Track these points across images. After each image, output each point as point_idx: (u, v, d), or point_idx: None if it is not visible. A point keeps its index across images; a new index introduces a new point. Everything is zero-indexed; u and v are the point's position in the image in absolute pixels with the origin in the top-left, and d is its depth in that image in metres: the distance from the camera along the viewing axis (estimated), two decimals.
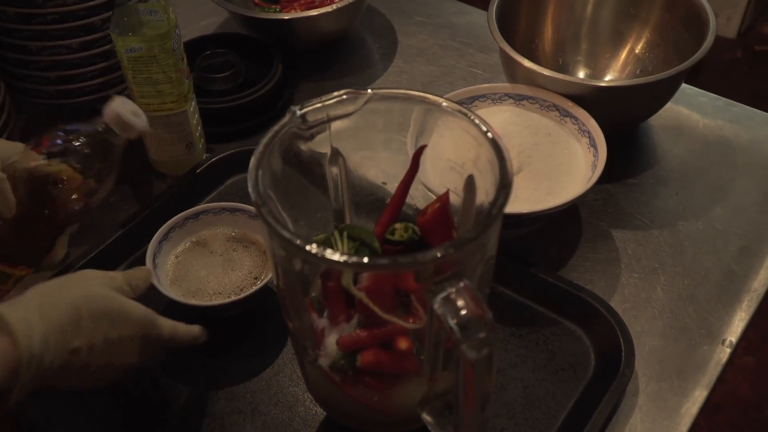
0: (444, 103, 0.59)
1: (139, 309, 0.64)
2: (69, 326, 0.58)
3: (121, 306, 0.62)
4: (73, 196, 0.73)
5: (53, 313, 0.57)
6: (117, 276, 0.66)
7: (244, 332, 0.77)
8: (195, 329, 0.68)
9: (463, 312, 0.49)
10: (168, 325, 0.66)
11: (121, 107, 0.74)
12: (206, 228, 0.82)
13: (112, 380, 0.64)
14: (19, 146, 0.72)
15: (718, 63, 2.40)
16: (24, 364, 0.54)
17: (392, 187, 0.65)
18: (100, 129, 0.74)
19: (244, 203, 0.89)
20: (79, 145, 0.72)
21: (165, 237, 0.79)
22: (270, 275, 0.76)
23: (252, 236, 0.81)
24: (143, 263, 0.76)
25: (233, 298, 0.75)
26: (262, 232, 0.80)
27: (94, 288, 0.62)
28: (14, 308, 0.56)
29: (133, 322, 0.62)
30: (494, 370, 0.51)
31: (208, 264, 0.79)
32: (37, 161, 0.70)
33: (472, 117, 0.57)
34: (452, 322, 0.49)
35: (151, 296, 0.71)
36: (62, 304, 0.58)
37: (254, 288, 0.75)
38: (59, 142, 0.71)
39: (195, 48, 1.01)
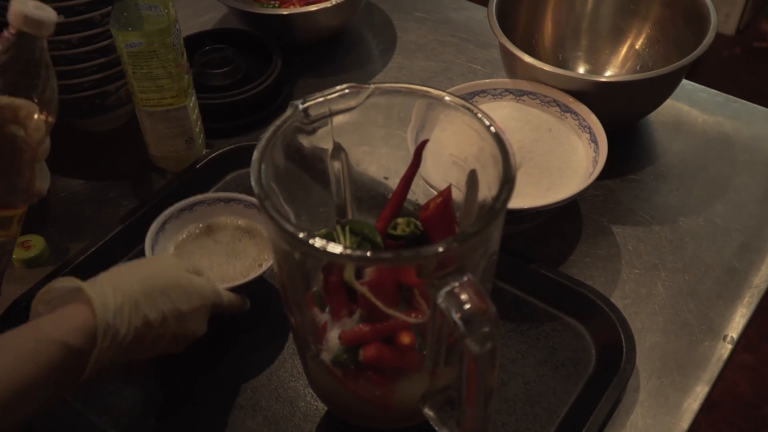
0: (447, 98, 0.59)
1: (205, 282, 0.68)
2: (142, 299, 0.62)
3: (189, 281, 0.66)
4: (33, 122, 0.69)
5: (127, 287, 0.61)
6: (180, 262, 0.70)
7: (246, 328, 0.77)
8: (241, 298, 0.73)
9: (467, 306, 0.49)
10: (226, 295, 0.71)
11: (23, 6, 0.69)
12: (205, 218, 0.81)
13: (182, 349, 0.67)
14: None
15: (717, 60, 2.40)
16: (101, 333, 0.58)
17: (394, 182, 0.65)
18: (13, 40, 0.69)
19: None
20: (3, 69, 0.69)
21: (161, 228, 0.79)
22: (267, 266, 0.75)
23: (254, 226, 0.81)
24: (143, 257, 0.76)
25: (237, 282, 0.74)
26: (262, 222, 0.80)
27: (162, 267, 0.67)
28: (92, 283, 0.62)
29: (200, 294, 0.66)
30: (497, 365, 0.51)
31: (211, 253, 0.79)
32: None
33: (475, 111, 0.57)
34: (456, 317, 0.49)
35: None
36: (135, 280, 0.63)
37: (258, 272, 0.74)
38: None
39: (194, 44, 1.01)
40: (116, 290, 0.61)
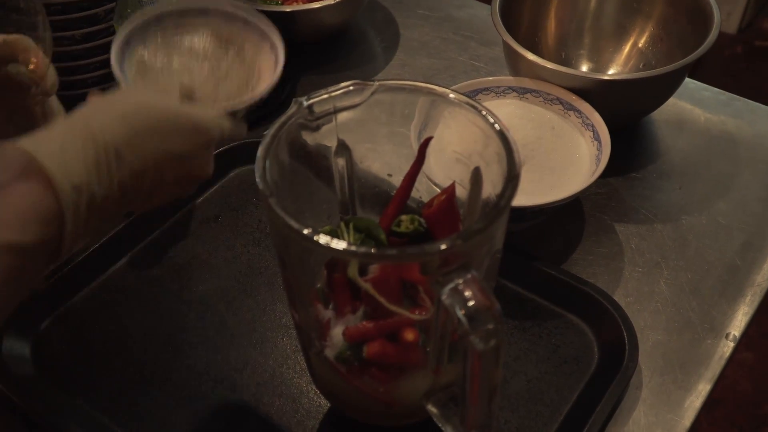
0: (451, 95, 0.59)
1: (202, 110, 0.57)
2: (123, 145, 0.50)
3: (183, 112, 0.55)
4: (31, 55, 0.65)
5: (99, 135, 0.49)
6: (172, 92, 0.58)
7: (248, 324, 0.77)
8: (238, 124, 0.62)
9: (471, 303, 0.49)
10: (226, 123, 0.60)
11: None
12: (179, 32, 0.70)
13: (190, 190, 0.59)
14: None
15: (718, 59, 2.40)
16: (69, 205, 0.47)
17: (398, 179, 0.65)
18: None
19: (245, 196, 0.89)
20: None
21: (126, 44, 0.69)
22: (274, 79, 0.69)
23: (236, 38, 0.71)
24: (147, 254, 0.76)
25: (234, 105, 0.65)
26: (248, 37, 0.73)
27: (142, 98, 0.54)
28: (43, 140, 0.49)
29: (198, 128, 0.56)
30: (502, 362, 0.51)
31: (191, 72, 0.70)
32: None
33: (479, 108, 0.57)
34: (460, 313, 0.49)
35: None
36: (110, 122, 0.50)
37: (254, 94, 0.67)
38: None
39: None
40: (84, 139, 0.48)
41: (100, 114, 0.51)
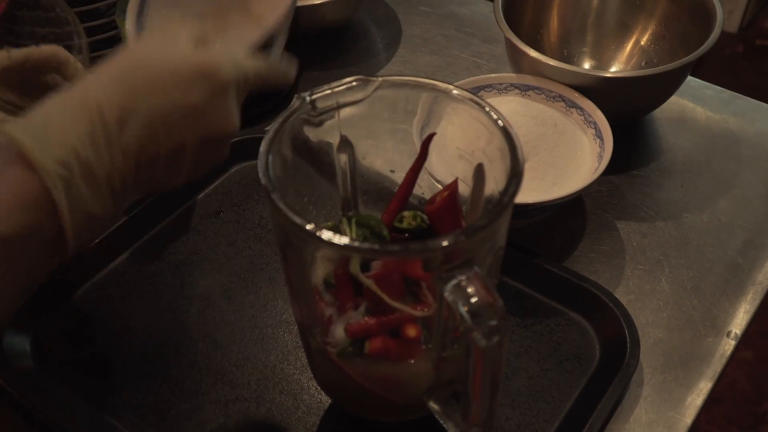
0: (455, 91, 0.59)
1: (217, 54, 0.49)
2: (120, 108, 0.44)
3: (195, 61, 0.48)
4: (69, 66, 0.63)
5: (91, 99, 0.44)
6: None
7: (249, 319, 0.77)
8: (276, 61, 0.54)
9: (474, 299, 0.49)
10: (251, 64, 0.52)
11: None
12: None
13: (221, 156, 0.51)
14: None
15: (719, 57, 2.40)
16: (54, 182, 0.42)
17: (400, 175, 0.65)
18: None
19: (246, 192, 0.89)
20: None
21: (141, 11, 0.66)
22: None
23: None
24: (148, 250, 0.75)
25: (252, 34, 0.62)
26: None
27: (151, 48, 0.48)
28: (28, 117, 0.44)
29: (214, 76, 0.48)
30: (504, 359, 0.51)
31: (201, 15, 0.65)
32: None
33: (483, 105, 0.57)
34: (463, 310, 0.49)
35: None
36: (104, 84, 0.45)
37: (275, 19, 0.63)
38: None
39: None
40: (75, 112, 0.43)
41: (95, 79, 0.46)
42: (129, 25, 0.63)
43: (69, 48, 0.65)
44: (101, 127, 0.43)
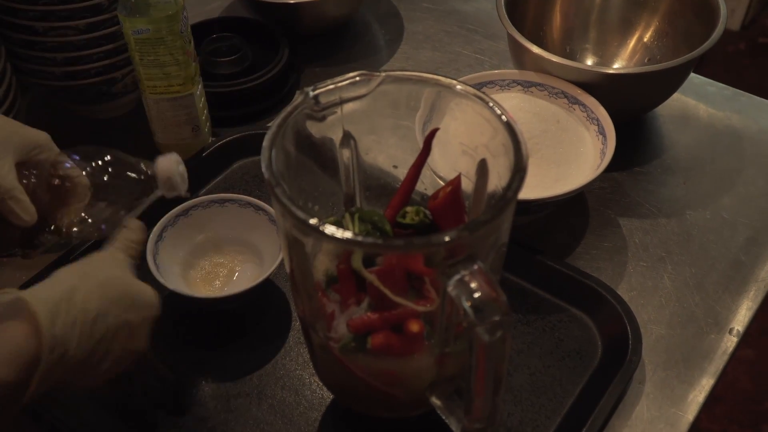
0: (458, 86, 0.58)
1: (150, 289, 0.62)
2: (95, 311, 0.55)
3: (138, 288, 0.60)
4: (72, 209, 0.68)
5: (79, 297, 0.54)
6: (119, 254, 0.63)
7: (251, 316, 0.77)
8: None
9: (477, 294, 0.48)
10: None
11: (174, 169, 0.69)
12: (203, 224, 0.79)
13: (124, 370, 0.61)
14: (42, 135, 0.67)
15: (722, 55, 2.40)
16: (46, 352, 0.51)
17: (403, 171, 0.65)
18: (141, 177, 0.69)
19: (248, 188, 0.89)
20: (108, 170, 0.68)
21: (160, 238, 0.77)
22: (271, 270, 0.74)
23: (249, 240, 0.79)
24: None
25: (234, 290, 0.73)
26: (257, 228, 0.79)
27: (112, 270, 0.60)
28: (38, 292, 0.54)
29: (148, 303, 0.61)
30: (508, 354, 0.51)
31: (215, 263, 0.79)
32: (62, 157, 0.66)
33: (486, 100, 0.57)
34: (466, 305, 0.48)
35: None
36: (88, 289, 0.55)
37: (255, 282, 0.73)
38: (93, 163, 0.67)
39: (201, 32, 1.01)
40: (69, 303, 0.53)
41: (80, 281, 0.56)
42: (149, 260, 0.74)
43: None
44: (82, 322, 0.54)
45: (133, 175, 0.69)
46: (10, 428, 0.73)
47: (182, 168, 0.70)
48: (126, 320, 0.57)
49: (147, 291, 0.61)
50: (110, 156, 0.69)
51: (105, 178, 0.68)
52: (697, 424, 0.71)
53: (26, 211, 0.63)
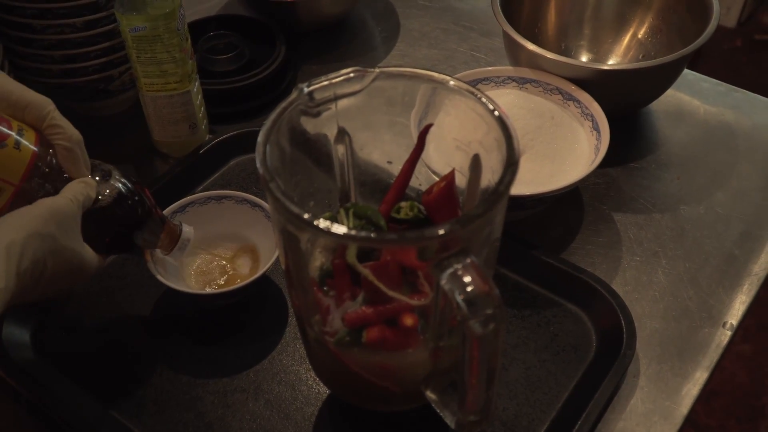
0: (451, 82, 0.59)
1: (88, 256, 0.65)
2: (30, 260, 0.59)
3: (72, 257, 0.63)
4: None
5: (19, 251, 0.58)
6: (62, 207, 0.64)
7: (248, 312, 0.78)
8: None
9: (470, 288, 0.49)
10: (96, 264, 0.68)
11: (191, 238, 0.74)
12: (200, 220, 0.79)
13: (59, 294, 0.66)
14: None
15: (718, 52, 2.40)
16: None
17: (397, 167, 0.65)
18: (156, 231, 0.72)
19: (245, 184, 0.90)
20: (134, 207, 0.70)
21: None
22: (267, 266, 0.75)
23: (246, 237, 0.81)
24: None
25: (231, 286, 0.74)
26: (253, 224, 0.80)
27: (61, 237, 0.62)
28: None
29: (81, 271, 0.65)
30: (501, 347, 0.52)
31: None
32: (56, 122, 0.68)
33: (479, 96, 0.57)
34: (459, 298, 0.49)
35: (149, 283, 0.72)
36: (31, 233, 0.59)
37: (252, 278, 0.74)
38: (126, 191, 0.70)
39: (198, 29, 1.01)
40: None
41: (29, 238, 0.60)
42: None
43: None
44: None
45: (154, 225, 0.72)
46: (10, 425, 0.74)
47: (193, 236, 0.75)
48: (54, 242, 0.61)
49: (86, 259, 0.65)
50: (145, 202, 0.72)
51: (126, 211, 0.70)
52: (695, 419, 0.72)
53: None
